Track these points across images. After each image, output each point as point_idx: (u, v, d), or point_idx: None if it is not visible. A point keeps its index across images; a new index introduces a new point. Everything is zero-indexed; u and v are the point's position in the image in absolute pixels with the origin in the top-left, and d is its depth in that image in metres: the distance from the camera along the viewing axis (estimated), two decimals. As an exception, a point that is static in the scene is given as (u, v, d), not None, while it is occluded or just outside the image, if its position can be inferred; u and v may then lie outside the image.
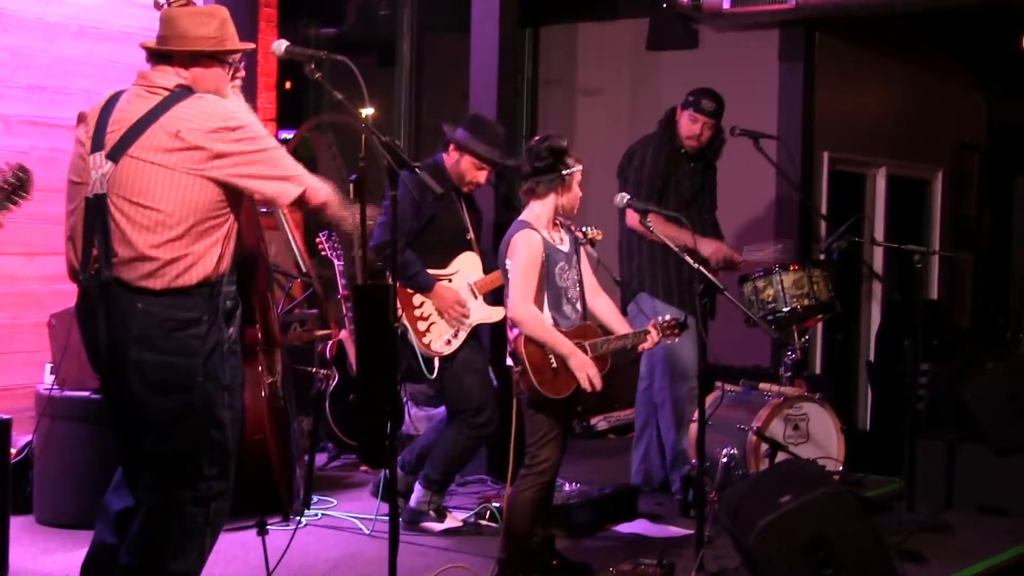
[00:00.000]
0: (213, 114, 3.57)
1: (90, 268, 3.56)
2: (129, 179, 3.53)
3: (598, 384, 4.51)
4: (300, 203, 3.71)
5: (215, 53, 3.69)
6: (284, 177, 3.64)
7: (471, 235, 5.57)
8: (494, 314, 5.51)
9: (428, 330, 5.37)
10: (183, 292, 3.54)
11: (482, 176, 5.51)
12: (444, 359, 5.39)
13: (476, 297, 5.49)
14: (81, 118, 3.71)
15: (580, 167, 4.60)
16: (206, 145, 3.52)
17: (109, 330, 3.56)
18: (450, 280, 5.46)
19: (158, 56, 3.69)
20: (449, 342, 5.40)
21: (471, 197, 5.64)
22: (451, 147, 5.49)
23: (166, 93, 3.60)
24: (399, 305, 5.27)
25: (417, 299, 5.37)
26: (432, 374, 5.38)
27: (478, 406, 5.41)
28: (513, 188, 5.83)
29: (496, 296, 5.41)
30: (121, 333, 3.54)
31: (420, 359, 5.36)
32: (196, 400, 3.58)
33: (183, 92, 3.61)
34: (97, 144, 3.58)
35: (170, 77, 3.64)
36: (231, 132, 3.56)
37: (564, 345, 4.49)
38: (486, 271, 5.54)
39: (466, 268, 5.52)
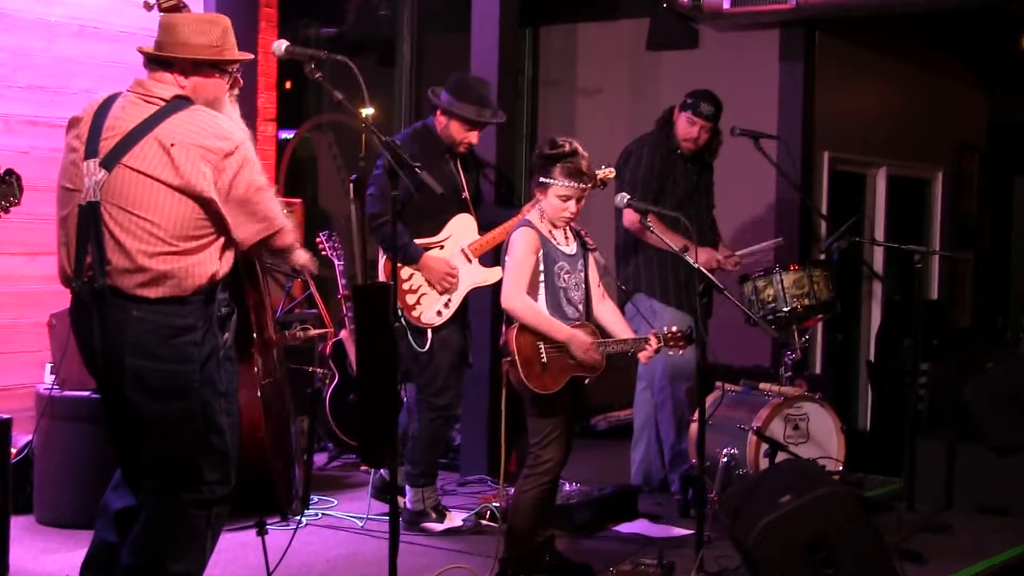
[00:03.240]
0: (208, 132, 3.53)
1: (83, 275, 3.54)
2: (123, 188, 3.51)
3: (599, 365, 4.54)
4: (265, 242, 3.68)
5: (216, 62, 3.67)
6: (263, 217, 3.62)
7: (466, 194, 5.51)
8: (491, 276, 5.45)
9: (418, 302, 5.33)
10: (178, 300, 3.53)
11: (473, 136, 5.47)
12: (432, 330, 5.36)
13: (471, 261, 5.44)
14: (73, 123, 3.68)
15: (567, 183, 4.52)
16: (198, 162, 3.49)
17: (104, 337, 3.55)
18: (441, 247, 5.40)
19: (157, 62, 3.65)
20: (440, 312, 5.36)
21: (468, 153, 5.57)
22: (438, 112, 5.47)
23: (162, 103, 3.57)
24: (388, 280, 5.26)
25: (405, 272, 5.31)
26: (424, 347, 5.34)
27: (441, 387, 5.38)
28: (513, 187, 5.84)
29: (495, 257, 5.36)
30: (116, 340, 3.53)
31: (410, 332, 5.31)
32: (194, 406, 3.58)
33: (180, 103, 3.58)
34: (91, 151, 3.55)
35: (168, 87, 3.61)
36: (224, 157, 3.53)
37: (562, 331, 4.49)
38: (484, 229, 5.48)
39: (459, 232, 5.45)
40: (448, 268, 5.36)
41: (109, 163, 3.52)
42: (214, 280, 3.59)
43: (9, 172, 4.10)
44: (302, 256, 3.85)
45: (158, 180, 3.49)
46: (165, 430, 3.58)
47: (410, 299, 5.32)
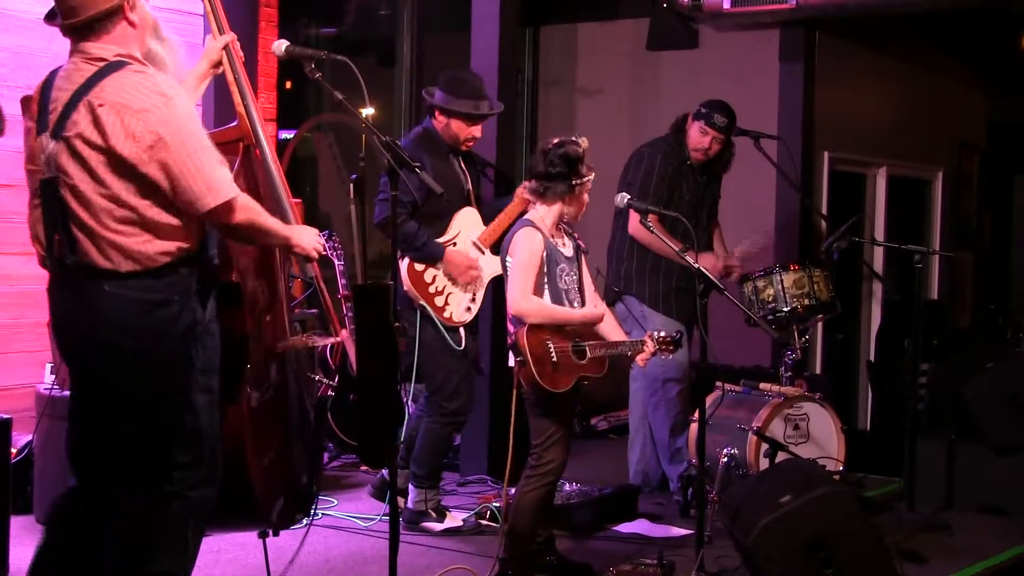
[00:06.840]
0: (138, 90, 3.36)
1: (54, 253, 3.46)
2: (70, 159, 3.38)
3: (603, 367, 4.59)
4: (219, 216, 3.46)
5: (114, 9, 3.42)
6: (205, 183, 3.40)
7: (469, 186, 5.54)
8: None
9: (446, 303, 5.36)
10: (149, 274, 3.42)
11: (476, 131, 5.48)
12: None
13: (483, 252, 5.48)
14: (26, 103, 3.56)
15: (591, 176, 4.60)
16: (134, 126, 3.32)
17: (76, 314, 3.46)
18: (454, 243, 5.43)
19: (74, 31, 3.44)
20: (469, 308, 5.41)
21: (469, 152, 5.59)
22: (436, 112, 5.47)
23: (101, 64, 3.40)
24: (413, 286, 5.28)
25: (428, 275, 5.34)
26: (460, 345, 5.37)
27: (453, 391, 5.39)
28: (513, 186, 5.84)
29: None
30: (90, 317, 3.43)
31: (445, 332, 5.34)
32: (168, 384, 3.48)
33: (117, 63, 3.40)
34: (42, 126, 3.43)
35: (106, 46, 3.42)
36: (154, 117, 3.34)
37: (575, 314, 4.56)
38: (486, 221, 5.53)
39: (467, 225, 5.48)
40: (470, 260, 5.40)
41: (57, 134, 3.40)
42: (183, 250, 3.47)
43: None
44: (309, 238, 3.80)
45: (95, 146, 3.35)
46: (137, 408, 3.48)
47: (438, 301, 5.35)
